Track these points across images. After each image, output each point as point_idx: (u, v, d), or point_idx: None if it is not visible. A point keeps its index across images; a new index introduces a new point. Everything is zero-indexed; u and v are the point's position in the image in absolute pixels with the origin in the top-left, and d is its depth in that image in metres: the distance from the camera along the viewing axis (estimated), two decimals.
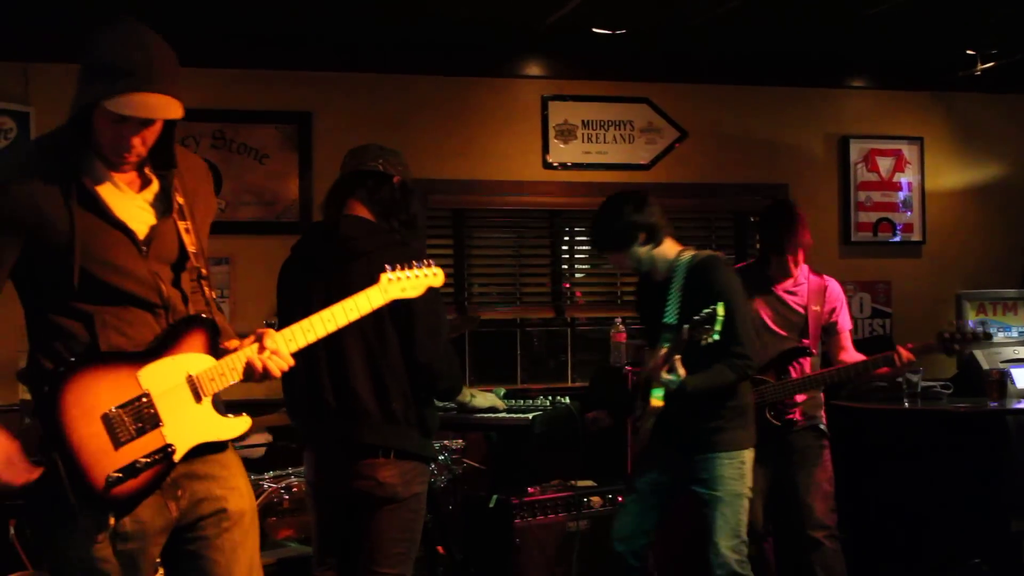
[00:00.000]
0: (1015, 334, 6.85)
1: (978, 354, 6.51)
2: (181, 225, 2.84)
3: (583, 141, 7.10)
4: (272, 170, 6.58)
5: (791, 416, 4.94)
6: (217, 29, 6.22)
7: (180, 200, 2.85)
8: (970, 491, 6.02)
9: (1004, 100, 7.78)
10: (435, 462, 4.13)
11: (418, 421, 3.84)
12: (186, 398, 2.79)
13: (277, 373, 2.86)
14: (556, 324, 7.17)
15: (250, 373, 2.85)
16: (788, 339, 5.06)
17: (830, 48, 7.13)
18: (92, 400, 2.70)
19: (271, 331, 2.89)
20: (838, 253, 7.50)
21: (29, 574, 4.97)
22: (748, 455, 4.39)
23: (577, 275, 7.40)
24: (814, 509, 5.03)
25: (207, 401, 2.82)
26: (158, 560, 2.90)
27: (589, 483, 5.79)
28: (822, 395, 5.21)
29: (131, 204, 2.78)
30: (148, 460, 2.72)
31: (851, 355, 5.13)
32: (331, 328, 3.01)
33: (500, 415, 5.12)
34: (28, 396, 5.66)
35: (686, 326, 4.09)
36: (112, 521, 2.72)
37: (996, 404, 5.78)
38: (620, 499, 5.70)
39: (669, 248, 4.50)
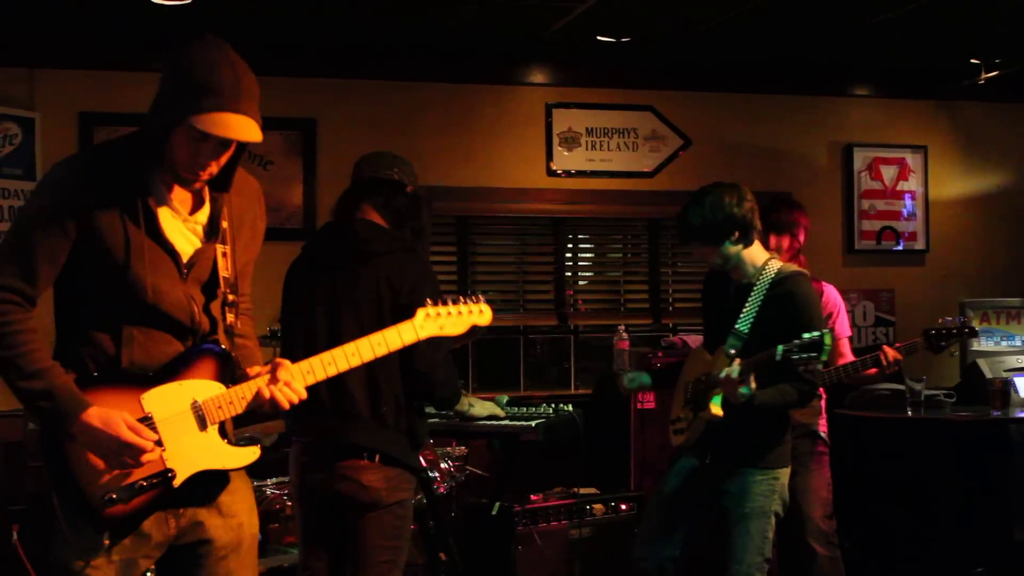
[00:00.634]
0: (1018, 343, 6.84)
1: (981, 363, 6.50)
2: (219, 249, 2.83)
3: (587, 149, 7.11)
4: (277, 176, 6.59)
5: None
6: (221, 36, 6.22)
7: (224, 224, 2.83)
8: (973, 500, 6.01)
9: (1008, 109, 7.79)
10: (420, 475, 4.08)
11: (408, 429, 3.83)
12: (190, 425, 2.74)
13: (286, 405, 2.80)
14: (559, 331, 7.17)
15: (259, 404, 2.81)
16: None
17: (834, 56, 7.14)
18: None
19: (286, 362, 2.83)
20: (841, 261, 7.50)
21: None
22: (783, 474, 4.25)
23: (580, 282, 7.40)
24: (812, 517, 5.01)
25: (213, 429, 2.77)
26: (152, 568, 2.88)
27: (592, 491, 5.78)
28: (822, 403, 5.19)
29: (182, 225, 2.79)
30: (146, 483, 2.69)
31: (848, 360, 5.12)
32: (355, 363, 2.93)
33: (503, 422, 5.12)
34: None
35: (782, 347, 3.87)
36: (107, 540, 2.70)
37: (999, 413, 5.77)
38: (623, 507, 5.70)
39: (757, 252, 4.24)
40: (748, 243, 4.21)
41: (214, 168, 2.72)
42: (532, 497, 5.54)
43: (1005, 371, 6.37)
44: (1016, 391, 6.01)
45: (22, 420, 5.59)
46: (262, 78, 2.78)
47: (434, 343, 3.71)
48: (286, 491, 5.07)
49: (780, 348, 3.89)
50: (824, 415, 5.19)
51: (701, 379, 4.23)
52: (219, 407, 2.77)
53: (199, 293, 2.81)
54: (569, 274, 7.27)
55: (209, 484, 2.83)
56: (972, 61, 7.00)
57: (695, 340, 6.45)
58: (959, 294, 7.32)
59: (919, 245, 7.65)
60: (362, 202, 3.93)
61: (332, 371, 2.90)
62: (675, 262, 7.45)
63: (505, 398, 5.35)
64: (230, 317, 2.85)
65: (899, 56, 7.13)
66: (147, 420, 2.70)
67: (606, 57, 6.87)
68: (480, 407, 5.07)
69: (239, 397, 2.79)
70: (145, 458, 2.65)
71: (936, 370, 6.72)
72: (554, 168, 7.06)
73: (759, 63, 7.20)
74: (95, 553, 2.70)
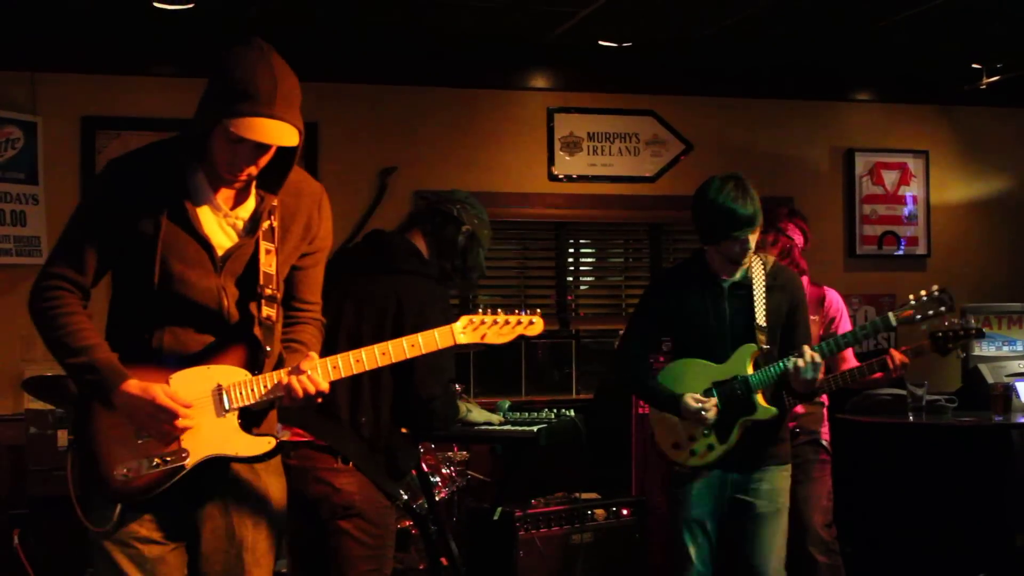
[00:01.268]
0: (1020, 348, 6.83)
1: (983, 368, 6.50)
2: (264, 246, 2.92)
3: (588, 153, 7.11)
4: None
5: (791, 425, 4.93)
6: (223, 40, 6.23)
7: (273, 223, 2.92)
8: (974, 505, 6.00)
9: (1009, 114, 7.79)
10: (398, 502, 4.03)
11: (386, 450, 3.79)
12: (210, 409, 2.84)
13: (300, 393, 2.86)
14: (561, 336, 7.17)
15: (278, 393, 2.88)
16: None
17: (835, 61, 7.14)
18: None
19: (314, 355, 2.91)
20: (843, 266, 7.50)
21: None
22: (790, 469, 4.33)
23: (582, 287, 7.40)
24: (812, 525, 5.01)
25: (232, 415, 2.85)
26: (170, 552, 2.92)
27: (593, 495, 5.78)
28: (824, 410, 5.19)
29: (222, 221, 2.89)
30: (160, 460, 2.79)
31: (852, 366, 5.11)
32: (384, 363, 2.98)
33: (505, 427, 5.12)
34: (33, 406, 5.70)
35: (895, 315, 4.17)
36: (116, 516, 2.81)
37: (1001, 418, 5.77)
38: (625, 512, 5.70)
39: None
40: None
41: (253, 170, 2.83)
42: (534, 502, 5.55)
43: (1006, 376, 6.37)
44: (1017, 396, 6.00)
45: (24, 424, 5.60)
46: None
47: (438, 369, 3.69)
48: None
49: (892, 316, 4.22)
50: (827, 423, 5.19)
51: (736, 385, 4.12)
52: (240, 393, 2.85)
53: (233, 286, 2.90)
54: (571, 279, 7.27)
55: (230, 472, 2.91)
56: (973, 66, 7.00)
57: None
58: (960, 299, 7.25)
59: (920, 250, 7.65)
60: (413, 225, 4.04)
61: (359, 369, 2.96)
62: None
63: (507, 403, 5.35)
64: (267, 311, 2.93)
65: (900, 61, 7.14)
66: None
67: (608, 62, 6.87)
68: (477, 413, 5.06)
69: (260, 385, 2.87)
70: (181, 423, 2.77)
71: (937, 375, 6.72)
72: (556, 173, 7.06)
73: (760, 68, 7.21)
74: (107, 525, 2.82)
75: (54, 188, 6.16)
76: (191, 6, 5.65)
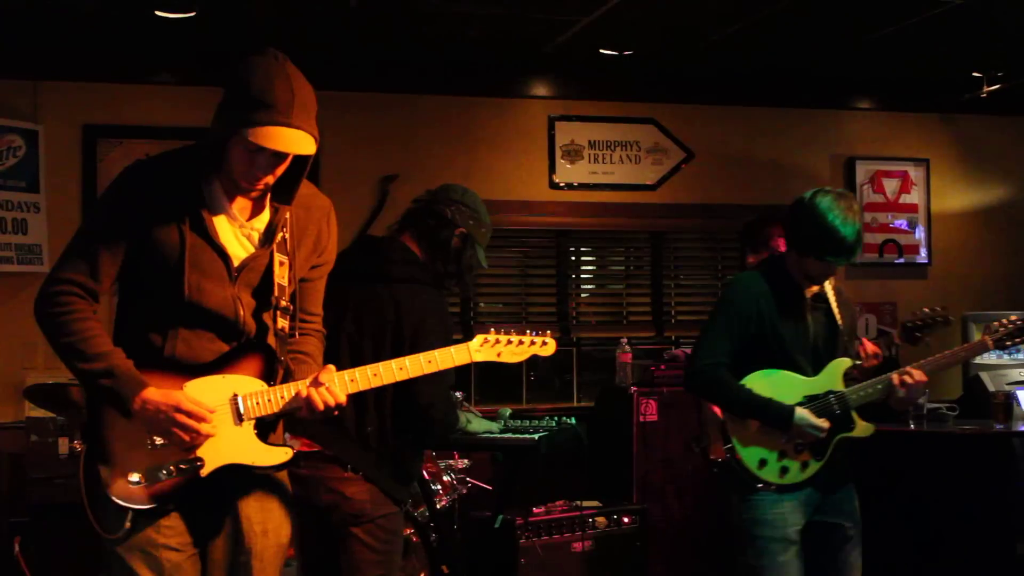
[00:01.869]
0: (1021, 356, 6.83)
1: (984, 376, 6.50)
2: (277, 257, 2.92)
3: (589, 161, 7.11)
4: None
5: None
6: (224, 48, 6.24)
7: (286, 235, 2.93)
8: (975, 514, 5.99)
9: (1010, 122, 7.79)
10: (406, 506, 4.02)
11: (392, 458, 3.78)
12: (226, 418, 2.84)
13: (320, 406, 2.87)
14: (561, 344, 7.14)
15: (296, 404, 2.88)
16: None
17: (836, 69, 7.15)
18: None
19: (331, 367, 2.91)
20: (844, 274, 7.47)
21: None
22: None
23: (583, 295, 7.40)
24: None
25: (248, 425, 2.86)
26: (183, 560, 2.91)
27: (594, 503, 5.78)
28: None
29: (237, 231, 2.90)
30: (174, 468, 2.78)
31: None
32: (401, 377, 2.99)
33: (506, 435, 5.11)
34: (33, 414, 5.70)
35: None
36: (128, 524, 2.80)
37: (1002, 427, 5.77)
38: (626, 519, 5.70)
39: None
40: None
41: (270, 179, 2.83)
42: (535, 510, 5.54)
43: (1008, 384, 6.37)
44: (1019, 404, 6.00)
45: (24, 432, 5.60)
46: None
47: (437, 378, 3.67)
48: None
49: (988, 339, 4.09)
50: None
51: (832, 400, 3.93)
52: (257, 403, 2.85)
53: (248, 296, 2.91)
54: (572, 287, 7.27)
55: (239, 486, 2.90)
56: (974, 74, 7.01)
57: None
58: (961, 307, 7.31)
59: (921, 258, 7.66)
60: (407, 227, 3.97)
61: (377, 383, 2.97)
62: (677, 275, 7.45)
63: (508, 411, 5.35)
64: (282, 323, 2.95)
65: (901, 69, 7.15)
66: None
67: (608, 70, 6.88)
68: (477, 423, 5.05)
69: (278, 396, 2.87)
70: (205, 428, 2.77)
71: (939, 383, 6.71)
72: (557, 181, 7.07)
73: (761, 76, 7.21)
74: (119, 532, 2.80)
75: (56, 196, 6.17)
76: (192, 15, 5.65)
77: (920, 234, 7.65)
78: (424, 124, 6.84)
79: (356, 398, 3.69)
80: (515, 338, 3.11)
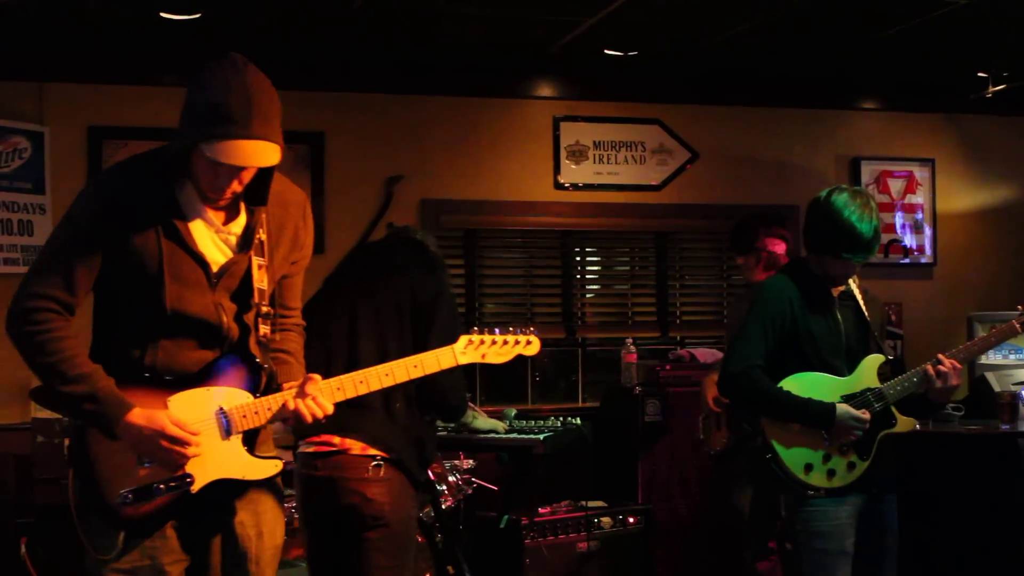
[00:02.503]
0: None
1: (990, 376, 6.48)
2: (256, 261, 2.86)
3: (594, 162, 7.12)
4: None
5: None
6: (229, 50, 6.25)
7: (262, 236, 2.87)
8: (980, 514, 5.99)
9: (1015, 122, 7.79)
10: (422, 489, 4.04)
11: (417, 438, 3.82)
12: (213, 433, 2.78)
13: (308, 419, 2.82)
14: (567, 344, 7.17)
15: (283, 416, 2.84)
16: None
17: (841, 70, 7.15)
18: None
19: (317, 377, 2.86)
20: None
21: None
22: None
23: (588, 295, 7.40)
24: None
25: (236, 438, 2.81)
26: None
27: (599, 504, 5.78)
28: None
29: (214, 236, 2.83)
30: (164, 487, 2.73)
31: None
32: (387, 383, 2.97)
33: (511, 436, 5.12)
34: (40, 415, 5.71)
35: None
36: (121, 543, 2.74)
37: (1008, 427, 5.77)
38: (631, 520, 5.70)
39: None
40: None
41: (236, 187, 2.77)
42: (540, 510, 5.55)
43: (1014, 384, 6.36)
44: None
45: (31, 433, 5.60)
46: None
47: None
48: (294, 504, 5.07)
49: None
50: None
51: (870, 397, 3.89)
52: (244, 416, 2.80)
53: (229, 302, 2.85)
54: (577, 287, 7.27)
55: (229, 493, 2.86)
56: (979, 74, 7.00)
57: (702, 353, 6.46)
58: (967, 307, 7.30)
59: (926, 258, 7.65)
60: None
61: (363, 390, 2.94)
62: (683, 275, 7.45)
63: (513, 411, 5.36)
64: (264, 328, 2.89)
65: (906, 69, 7.14)
66: None
67: (613, 71, 6.89)
68: (482, 420, 5.07)
69: (265, 408, 2.82)
70: (191, 451, 2.71)
71: None
72: (562, 181, 7.07)
73: (766, 77, 7.21)
74: (111, 552, 2.74)
75: (61, 198, 6.17)
76: (198, 16, 5.66)
77: (925, 234, 7.65)
78: (429, 125, 6.85)
79: None
80: (499, 338, 3.10)
